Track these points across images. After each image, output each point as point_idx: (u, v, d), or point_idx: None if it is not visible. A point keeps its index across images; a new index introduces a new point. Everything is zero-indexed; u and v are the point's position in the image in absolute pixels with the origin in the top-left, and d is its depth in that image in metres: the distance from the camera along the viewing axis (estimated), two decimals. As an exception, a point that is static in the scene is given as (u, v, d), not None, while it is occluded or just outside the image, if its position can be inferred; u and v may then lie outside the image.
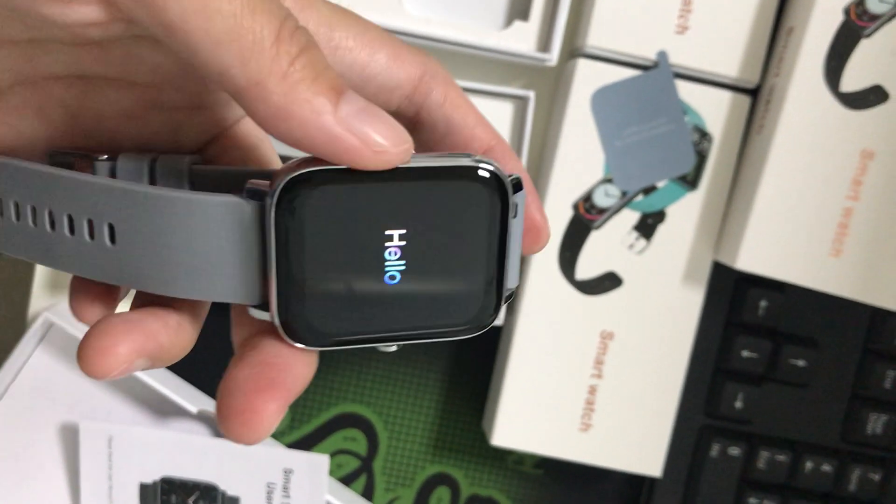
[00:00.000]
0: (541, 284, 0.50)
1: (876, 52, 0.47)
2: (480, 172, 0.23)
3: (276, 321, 0.23)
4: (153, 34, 0.20)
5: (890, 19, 0.47)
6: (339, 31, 0.25)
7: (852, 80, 0.47)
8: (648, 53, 0.49)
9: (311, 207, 0.22)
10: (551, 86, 0.53)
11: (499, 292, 0.24)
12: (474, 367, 0.54)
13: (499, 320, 0.50)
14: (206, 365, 0.52)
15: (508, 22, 0.50)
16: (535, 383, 0.51)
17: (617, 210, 0.50)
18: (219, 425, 0.22)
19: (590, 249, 0.51)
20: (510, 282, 0.25)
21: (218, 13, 0.19)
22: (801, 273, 0.49)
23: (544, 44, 0.50)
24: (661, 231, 0.51)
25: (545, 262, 0.50)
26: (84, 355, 0.21)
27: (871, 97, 0.48)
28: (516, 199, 0.25)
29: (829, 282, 0.49)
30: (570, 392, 0.51)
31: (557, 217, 0.50)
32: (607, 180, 0.50)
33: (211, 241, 0.23)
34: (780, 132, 0.48)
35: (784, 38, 0.49)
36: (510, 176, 0.24)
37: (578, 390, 0.51)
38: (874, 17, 0.47)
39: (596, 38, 0.49)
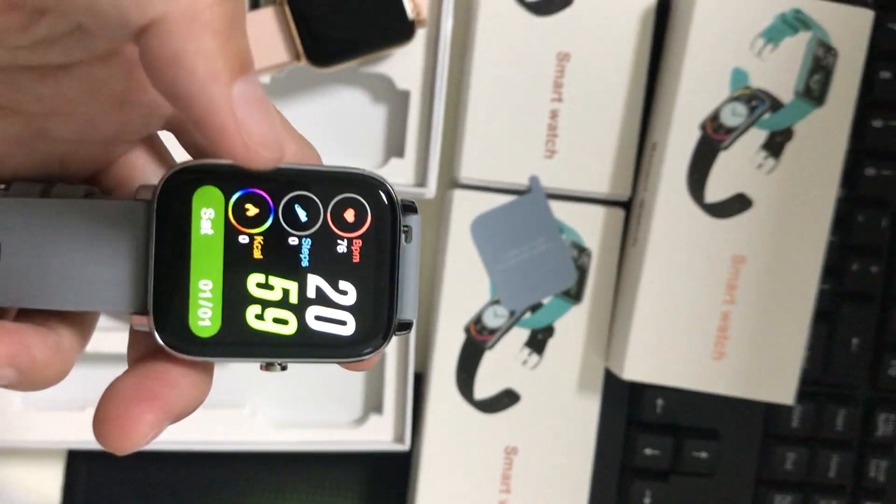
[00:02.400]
0: (441, 408, 0.52)
1: (735, 163, 0.49)
2: (367, 184, 0.23)
3: (153, 326, 0.22)
4: (48, 7, 0.19)
5: (744, 131, 0.49)
6: None
7: (716, 190, 0.49)
8: (521, 179, 0.51)
9: (195, 205, 0.22)
10: (433, 216, 0.54)
11: (389, 319, 0.23)
12: (390, 490, 0.55)
13: (404, 445, 0.52)
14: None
15: (386, 159, 0.52)
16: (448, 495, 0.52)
17: (507, 329, 0.52)
18: (93, 431, 0.21)
19: (485, 369, 0.52)
20: (405, 312, 0.24)
21: None
22: (687, 378, 0.50)
23: (421, 178, 0.51)
24: (552, 345, 0.52)
25: (443, 384, 0.52)
26: None
27: (735, 205, 0.50)
28: (410, 222, 0.24)
29: (715, 383, 0.51)
30: (481, 508, 0.53)
31: (451, 340, 0.52)
32: (495, 301, 0.52)
33: (96, 247, 0.22)
34: (651, 245, 0.50)
35: (649, 154, 0.51)
36: (407, 200, 0.24)
37: (488, 506, 0.53)
38: (730, 130, 0.49)
39: (468, 169, 0.51)
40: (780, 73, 0.49)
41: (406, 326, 0.24)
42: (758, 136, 0.49)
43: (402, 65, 0.51)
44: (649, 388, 0.54)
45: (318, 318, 0.23)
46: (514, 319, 0.52)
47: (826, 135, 0.49)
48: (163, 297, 0.22)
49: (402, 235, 0.23)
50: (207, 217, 0.22)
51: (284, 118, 0.24)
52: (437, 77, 0.50)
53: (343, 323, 0.23)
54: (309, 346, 0.23)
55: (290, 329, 0.23)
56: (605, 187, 0.52)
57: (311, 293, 0.23)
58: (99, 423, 0.21)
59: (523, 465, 0.53)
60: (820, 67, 0.49)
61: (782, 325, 0.50)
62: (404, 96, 0.51)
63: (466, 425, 0.52)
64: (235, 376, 0.53)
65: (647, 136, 0.52)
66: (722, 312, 0.50)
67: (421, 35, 0.50)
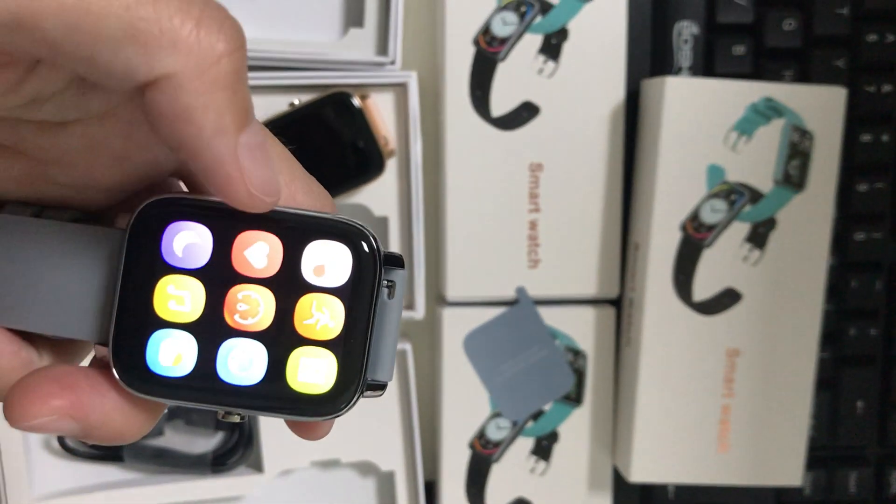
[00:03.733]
0: (455, 523, 0.53)
1: (720, 259, 0.49)
2: (348, 234, 0.22)
3: (111, 359, 0.22)
4: (43, 58, 0.19)
5: (726, 226, 0.48)
6: None
7: (703, 288, 0.49)
8: (508, 291, 0.51)
9: (166, 238, 0.21)
10: (426, 333, 0.54)
11: (359, 378, 0.22)
12: None
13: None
14: None
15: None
16: None
17: (512, 440, 0.52)
18: (4, 399, 0.21)
19: (494, 481, 0.53)
20: (378, 373, 0.23)
21: (107, 11, 0.17)
22: (693, 473, 0.51)
23: (409, 300, 0.51)
24: (558, 450, 0.53)
25: (454, 502, 0.52)
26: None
27: (724, 300, 0.49)
28: (394, 277, 0.23)
29: (722, 475, 0.51)
30: None
31: (457, 457, 0.52)
32: (496, 414, 0.52)
33: (69, 271, 0.22)
34: (645, 346, 0.49)
35: (633, 253, 0.51)
36: (391, 253, 0.23)
37: None
38: (711, 227, 0.48)
39: (454, 288, 0.51)
40: (757, 163, 0.48)
41: (379, 388, 0.23)
42: (740, 229, 0.49)
43: (377, 193, 0.50)
44: (659, 477, 0.54)
45: (284, 371, 0.22)
46: (518, 430, 0.52)
47: (810, 217, 0.49)
48: (124, 332, 0.22)
49: (385, 290, 0.22)
50: (178, 252, 0.22)
51: (291, 157, 0.23)
52: (412, 201, 0.50)
53: (312, 380, 0.22)
54: (274, 399, 0.22)
55: (256, 379, 0.22)
56: (592, 289, 0.51)
57: (279, 346, 0.22)
58: (11, 390, 0.21)
59: (542, 569, 0.53)
60: (797, 152, 0.48)
61: (783, 411, 0.50)
62: (382, 222, 0.51)
63: (481, 537, 0.53)
64: (249, 512, 0.53)
65: (629, 235, 0.52)
66: (722, 406, 0.50)
67: (392, 162, 0.50)
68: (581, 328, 0.52)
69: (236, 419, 0.22)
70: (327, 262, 0.22)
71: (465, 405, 0.52)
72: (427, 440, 0.54)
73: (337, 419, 0.23)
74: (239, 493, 0.52)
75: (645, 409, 0.50)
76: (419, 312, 0.51)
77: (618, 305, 0.52)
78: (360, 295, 0.22)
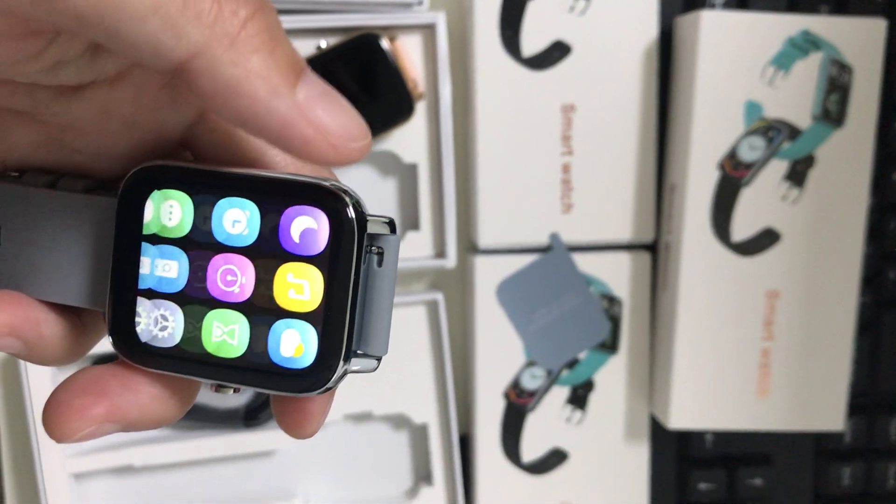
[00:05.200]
0: (490, 475, 0.52)
1: (759, 198, 0.48)
2: (325, 197, 0.20)
3: (108, 328, 0.22)
4: (69, 30, 0.18)
5: (764, 164, 0.47)
6: None
7: (742, 228, 0.48)
8: (541, 238, 0.50)
9: (155, 204, 0.21)
10: (458, 282, 0.53)
11: (341, 351, 0.21)
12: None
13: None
14: None
15: (402, 233, 0.51)
16: (507, 566, 0.52)
17: (547, 389, 0.51)
18: (41, 417, 0.21)
19: (530, 431, 0.52)
20: (371, 346, 0.22)
21: None
22: (732, 419, 0.50)
23: (440, 249, 0.50)
24: (594, 399, 0.52)
25: (489, 451, 0.52)
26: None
27: (763, 241, 0.48)
28: (383, 243, 0.21)
29: (763, 420, 0.50)
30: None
31: (492, 407, 0.51)
32: (531, 363, 0.51)
33: (74, 239, 0.22)
34: (682, 289, 0.48)
35: (668, 195, 0.50)
36: (382, 217, 0.22)
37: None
38: (749, 165, 0.47)
39: (486, 235, 0.50)
40: (795, 99, 0.47)
41: (370, 360, 0.22)
42: (779, 167, 0.48)
43: (406, 139, 0.50)
44: (696, 426, 0.53)
45: (265, 344, 0.21)
46: (553, 378, 0.51)
47: (849, 154, 0.48)
48: (118, 302, 0.22)
49: (375, 258, 0.21)
50: (166, 222, 0.21)
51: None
52: (442, 146, 0.49)
53: (293, 354, 0.21)
54: (258, 372, 0.21)
55: (239, 352, 0.21)
56: (627, 234, 0.50)
57: (260, 318, 0.21)
58: (47, 408, 0.21)
59: (579, 520, 0.53)
60: (836, 87, 0.47)
61: (824, 354, 0.49)
62: (412, 169, 0.50)
63: (518, 490, 0.52)
64: (282, 467, 0.53)
65: (664, 177, 0.50)
66: (762, 349, 0.49)
67: (421, 106, 0.49)
68: (616, 274, 0.51)
69: (229, 392, 0.22)
70: (304, 228, 0.21)
71: (499, 354, 0.51)
72: (460, 392, 0.53)
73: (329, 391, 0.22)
74: (271, 447, 0.51)
75: (683, 354, 0.49)
76: (451, 261, 0.50)
77: (653, 251, 0.51)
78: (340, 263, 0.20)
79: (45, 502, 0.49)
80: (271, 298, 0.21)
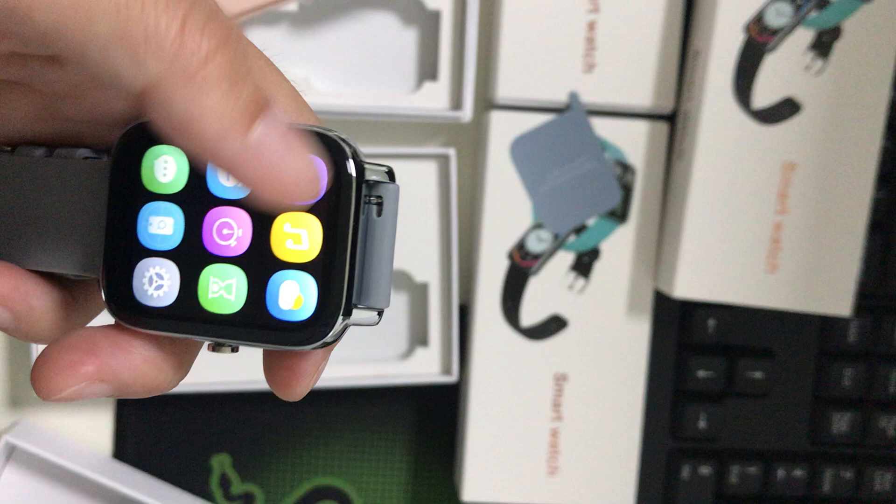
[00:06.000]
0: (488, 337, 0.51)
1: (782, 66, 0.47)
2: (321, 145, 0.20)
3: (104, 293, 0.21)
4: (33, 45, 0.18)
5: (790, 31, 0.47)
6: None
7: (763, 95, 0.48)
8: (560, 96, 0.49)
9: (146, 163, 0.21)
10: (471, 140, 0.53)
11: (341, 302, 0.21)
12: (438, 423, 0.55)
13: (452, 377, 0.51)
14: (171, 458, 0.52)
15: (418, 84, 0.51)
16: (497, 434, 0.51)
17: (552, 253, 0.51)
18: (31, 373, 0.21)
19: (531, 295, 0.51)
20: (372, 299, 0.21)
21: (98, 10, 0.17)
22: (739, 293, 0.49)
23: (456, 101, 0.50)
24: (598, 268, 0.51)
25: (488, 313, 0.51)
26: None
27: (784, 110, 0.48)
28: (383, 192, 0.21)
29: (770, 297, 0.49)
30: (533, 438, 0.52)
31: (495, 267, 0.51)
32: (538, 226, 0.50)
33: (66, 206, 0.22)
34: (698, 156, 0.48)
35: (691, 62, 0.49)
36: (381, 165, 0.21)
37: (541, 435, 0.52)
38: (774, 32, 0.47)
39: (505, 88, 0.49)
40: (827, -31, 0.47)
41: (371, 313, 0.22)
42: (804, 35, 0.47)
43: (431, -16, 0.49)
44: (700, 308, 0.52)
45: (264, 297, 0.21)
46: (559, 243, 0.51)
47: (876, 31, 0.47)
48: (113, 264, 0.21)
49: (374, 208, 0.21)
50: (161, 178, 0.21)
51: (272, 64, 0.22)
52: (467, -6, 0.48)
53: (292, 306, 0.21)
54: (256, 327, 0.21)
55: (237, 307, 0.21)
56: (647, 100, 0.50)
57: (258, 270, 0.21)
58: (35, 365, 0.20)
59: (574, 392, 0.52)
60: (868, -39, 0.47)
61: (836, 234, 0.49)
62: (434, 17, 0.50)
63: (514, 354, 0.51)
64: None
65: (688, 44, 0.50)
66: (774, 223, 0.48)
67: (449, -49, 0.49)
68: (632, 141, 0.50)
69: (227, 351, 0.22)
70: None
71: (507, 213, 0.50)
72: (464, 255, 0.53)
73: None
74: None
75: (693, 223, 0.48)
76: (466, 114, 0.49)
77: (672, 123, 0.51)
78: (338, 212, 0.20)
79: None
80: (269, 250, 0.21)
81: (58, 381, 0.20)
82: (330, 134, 0.20)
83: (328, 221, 0.20)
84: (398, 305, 0.53)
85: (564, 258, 0.51)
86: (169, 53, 0.18)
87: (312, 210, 0.20)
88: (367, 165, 0.21)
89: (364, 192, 0.21)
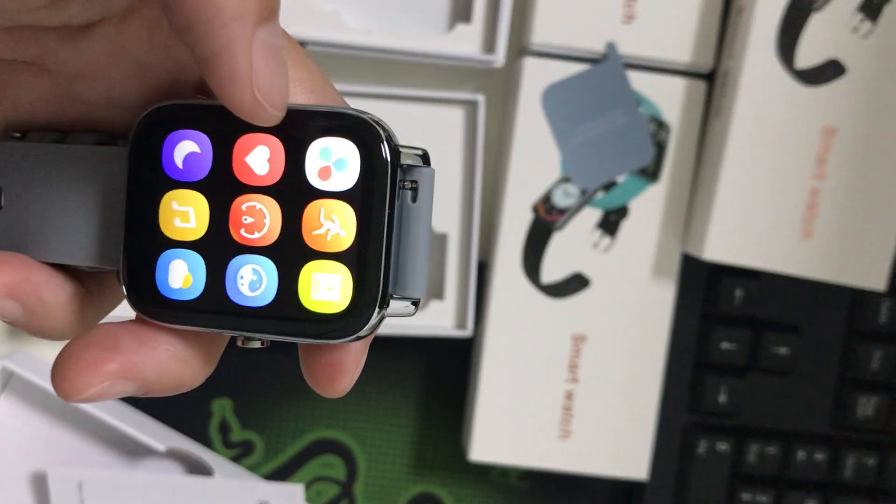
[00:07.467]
0: (506, 291, 0.49)
1: (828, 25, 0.46)
2: (354, 128, 0.19)
3: (123, 284, 0.20)
4: None
5: (839, -10, 0.45)
6: None
7: (807, 55, 0.46)
8: (596, 46, 0.48)
9: (167, 149, 0.20)
10: (501, 87, 0.51)
11: (378, 293, 0.20)
12: (449, 380, 0.53)
13: (466, 331, 0.49)
14: (171, 400, 0.51)
15: (451, 26, 0.49)
16: (510, 394, 0.49)
17: (578, 209, 0.49)
18: (51, 371, 0.20)
19: (554, 251, 0.49)
20: (408, 288, 0.20)
21: None
22: (771, 258, 0.47)
23: (489, 45, 0.48)
24: (626, 227, 0.49)
25: (509, 266, 0.49)
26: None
27: (827, 72, 0.46)
28: (417, 176, 0.20)
29: (802, 265, 0.47)
30: (547, 399, 0.50)
31: (518, 220, 0.49)
32: (565, 179, 0.49)
33: (82, 195, 0.21)
34: (737, 115, 0.46)
35: (734, 19, 0.48)
36: (415, 149, 0.20)
37: (555, 397, 0.50)
38: (823, -10, 0.45)
39: (540, 34, 0.48)
40: (881, -72, 0.45)
41: (408, 303, 0.21)
42: (854, -4, 0.46)
43: (471, -77, 0.48)
44: (728, 277, 0.50)
45: (296, 289, 0.20)
46: (586, 199, 0.49)
47: (928, -3, 0.46)
48: (134, 256, 0.20)
49: (409, 193, 0.20)
50: (179, 164, 0.20)
51: (299, 47, 0.21)
52: (507, -64, 0.47)
53: (326, 298, 0.20)
54: (288, 320, 0.20)
55: (267, 299, 0.20)
56: (686, 56, 0.48)
57: (289, 261, 0.20)
58: (56, 364, 0.20)
59: (592, 354, 0.50)
60: (924, -77, 0.45)
61: (874, 204, 0.47)
62: (472, -43, 0.48)
63: (532, 310, 0.49)
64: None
65: (732, 0, 0.49)
66: (811, 188, 0.47)
67: None
68: (669, 98, 0.49)
69: (257, 345, 0.21)
70: (333, 162, 0.19)
71: (535, 164, 0.49)
72: (486, 207, 0.51)
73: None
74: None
75: (728, 183, 0.47)
76: (499, 59, 0.48)
77: (709, 83, 0.49)
78: (372, 198, 0.19)
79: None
80: (300, 239, 0.20)
81: (80, 381, 0.19)
82: (363, 116, 0.19)
83: (362, 208, 0.19)
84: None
85: (591, 215, 0.49)
86: None
87: (345, 197, 0.19)
88: (401, 148, 0.20)
89: (399, 176, 0.20)
